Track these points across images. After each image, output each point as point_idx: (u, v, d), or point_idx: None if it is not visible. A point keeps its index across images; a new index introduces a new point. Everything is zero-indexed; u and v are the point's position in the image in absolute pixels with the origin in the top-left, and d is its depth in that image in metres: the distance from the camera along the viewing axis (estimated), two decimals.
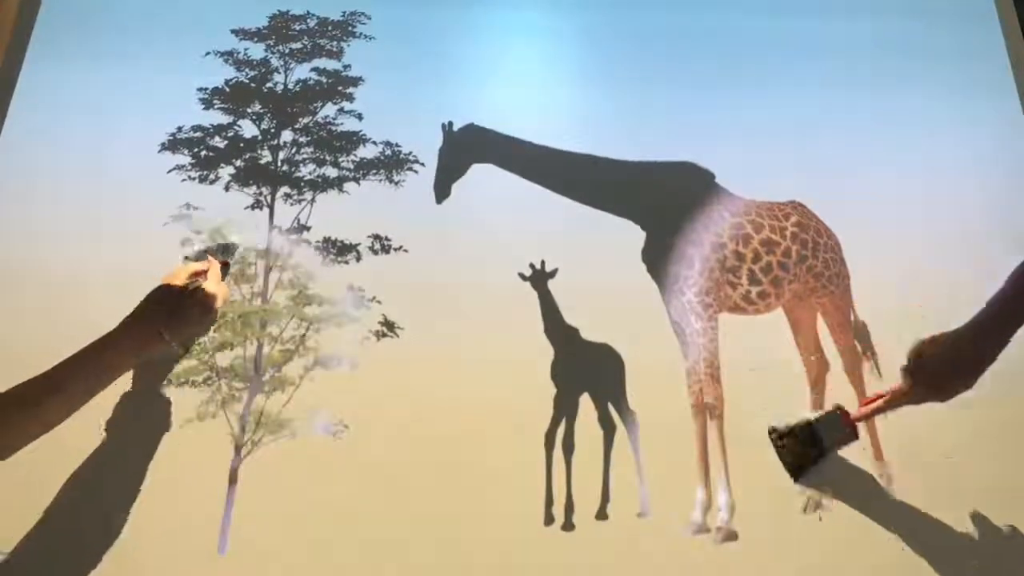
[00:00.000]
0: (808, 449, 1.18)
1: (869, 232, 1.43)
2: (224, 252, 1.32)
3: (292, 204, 1.41)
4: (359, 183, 1.44)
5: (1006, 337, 1.11)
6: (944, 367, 1.13)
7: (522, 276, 1.35)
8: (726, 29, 1.64)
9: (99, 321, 1.27)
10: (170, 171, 1.43)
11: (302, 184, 1.44)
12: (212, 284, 1.20)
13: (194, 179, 1.43)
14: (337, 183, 1.44)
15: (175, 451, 1.21)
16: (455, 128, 1.48)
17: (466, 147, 1.47)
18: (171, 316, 1.13)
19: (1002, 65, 1.60)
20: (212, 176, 1.44)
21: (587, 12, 1.67)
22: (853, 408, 1.20)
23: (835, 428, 1.17)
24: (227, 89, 1.52)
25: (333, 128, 1.49)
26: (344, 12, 1.61)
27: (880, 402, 1.16)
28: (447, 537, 1.16)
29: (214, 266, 1.25)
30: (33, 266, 1.33)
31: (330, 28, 1.59)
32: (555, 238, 1.39)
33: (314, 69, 1.55)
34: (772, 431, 1.20)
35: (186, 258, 1.30)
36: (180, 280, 1.17)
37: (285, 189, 1.43)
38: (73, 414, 1.06)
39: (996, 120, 1.54)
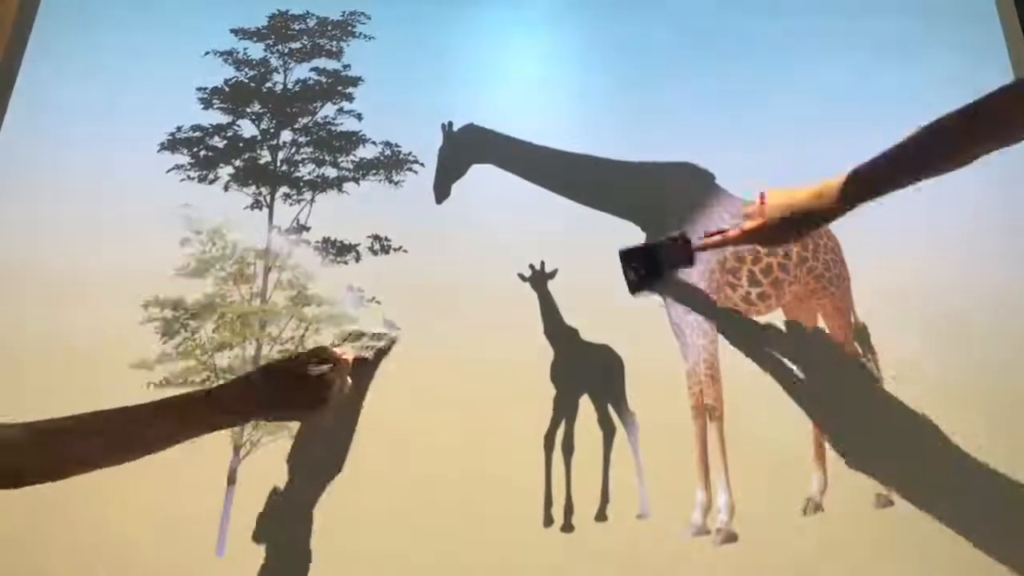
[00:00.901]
0: (648, 268, 1.17)
1: (869, 234, 1.42)
2: (364, 346, 1.25)
3: (291, 204, 1.41)
4: (359, 183, 1.44)
5: (847, 202, 1.10)
6: (784, 212, 1.10)
7: (522, 277, 1.35)
8: (726, 29, 1.63)
9: (98, 320, 1.28)
10: (169, 171, 1.43)
11: (301, 184, 1.43)
12: (338, 373, 1.04)
13: (193, 179, 1.43)
14: (336, 183, 1.44)
15: (174, 452, 1.20)
16: (455, 128, 1.48)
17: (466, 147, 1.47)
18: (281, 396, 1.00)
19: (1003, 65, 1.60)
20: (211, 176, 1.43)
21: (587, 13, 1.66)
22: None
23: (674, 253, 1.16)
24: (226, 89, 1.52)
25: (333, 128, 1.49)
26: (344, 12, 1.60)
27: (719, 237, 1.12)
28: (446, 538, 1.16)
29: (347, 357, 1.06)
30: (32, 264, 1.33)
31: (330, 28, 1.59)
32: (555, 239, 1.39)
33: (314, 69, 1.55)
34: (621, 251, 1.18)
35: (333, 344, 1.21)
36: (299, 362, 1.02)
37: (284, 189, 1.43)
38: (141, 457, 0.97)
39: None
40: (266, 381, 0.99)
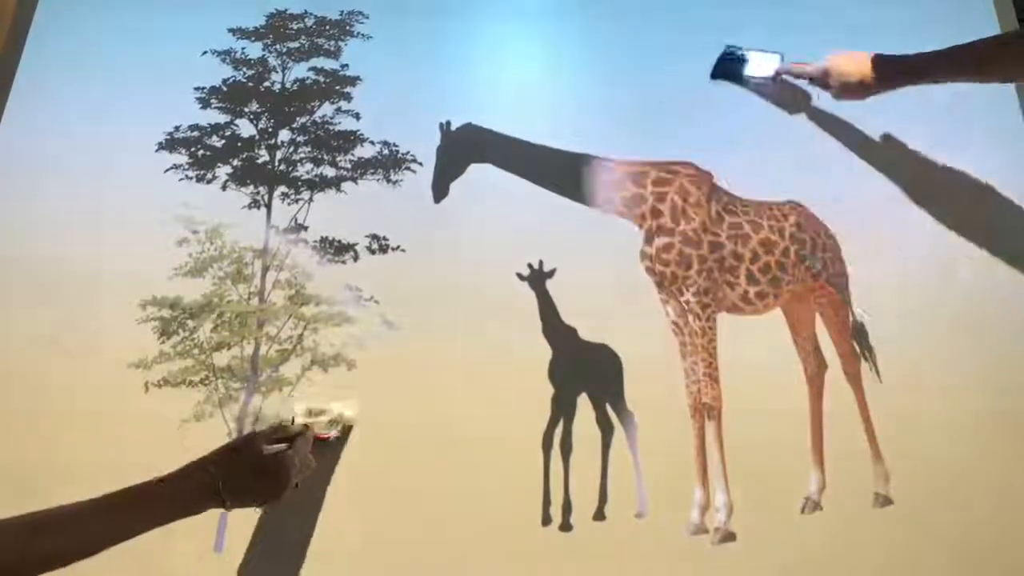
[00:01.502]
0: (735, 66, 1.53)
1: (868, 233, 1.42)
2: (325, 424, 1.20)
3: (289, 203, 1.41)
4: (357, 182, 1.44)
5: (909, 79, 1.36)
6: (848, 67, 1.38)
7: (520, 276, 1.35)
8: (725, 31, 1.63)
9: (95, 319, 1.28)
10: (167, 170, 1.43)
11: (299, 183, 1.43)
12: (297, 456, 1.02)
13: (191, 178, 1.43)
14: (335, 182, 1.44)
15: (173, 451, 1.20)
16: (453, 127, 1.48)
17: (464, 147, 1.47)
18: (243, 485, 0.96)
19: None
20: (209, 175, 1.43)
21: (587, 11, 1.66)
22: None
23: (764, 67, 1.51)
24: (225, 88, 1.52)
25: (331, 127, 1.49)
26: (342, 11, 1.60)
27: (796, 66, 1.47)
28: (445, 537, 1.16)
29: (306, 437, 1.07)
30: (29, 264, 1.33)
31: (328, 27, 1.59)
32: (553, 238, 1.39)
33: (312, 68, 1.55)
34: (727, 46, 1.54)
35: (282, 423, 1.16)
36: (255, 446, 0.99)
37: (282, 188, 1.43)
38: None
39: (995, 119, 1.53)
40: (222, 472, 0.93)
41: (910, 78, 1.36)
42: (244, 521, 1.16)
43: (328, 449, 1.20)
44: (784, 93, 1.52)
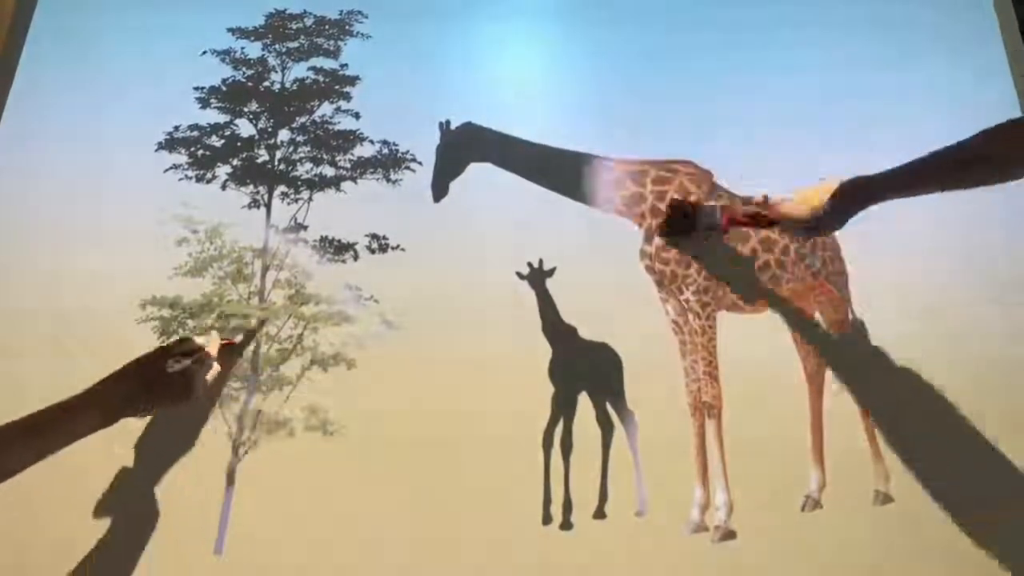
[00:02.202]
0: (682, 223, 1.36)
1: (867, 231, 1.42)
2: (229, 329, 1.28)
3: (289, 203, 1.41)
4: (356, 182, 1.44)
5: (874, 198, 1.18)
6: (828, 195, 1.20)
7: (520, 275, 1.35)
8: (726, 30, 1.63)
9: (95, 319, 1.28)
10: (167, 170, 1.43)
11: (299, 183, 1.43)
12: (200, 365, 1.11)
13: (191, 178, 1.43)
14: (334, 182, 1.44)
15: (172, 451, 1.21)
16: (452, 127, 1.48)
17: (464, 146, 1.47)
18: (148, 392, 1.05)
19: (1002, 65, 1.60)
20: (209, 175, 1.43)
21: (586, 11, 1.66)
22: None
23: (712, 218, 1.33)
24: (224, 88, 1.52)
25: (330, 127, 1.49)
26: (341, 11, 1.60)
27: (755, 211, 1.26)
28: (445, 536, 1.16)
29: (211, 346, 1.16)
30: (29, 264, 1.33)
31: (327, 27, 1.59)
32: (553, 237, 1.39)
33: (311, 68, 1.55)
34: (672, 199, 1.39)
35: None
36: (165, 356, 1.09)
37: (282, 188, 1.43)
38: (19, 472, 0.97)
39: (996, 117, 1.53)
40: (131, 381, 1.04)
41: (870, 201, 1.18)
42: (244, 522, 1.16)
43: (232, 350, 1.27)
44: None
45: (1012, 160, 1.12)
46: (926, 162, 1.15)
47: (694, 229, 1.34)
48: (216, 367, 1.15)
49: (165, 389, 1.06)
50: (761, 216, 1.26)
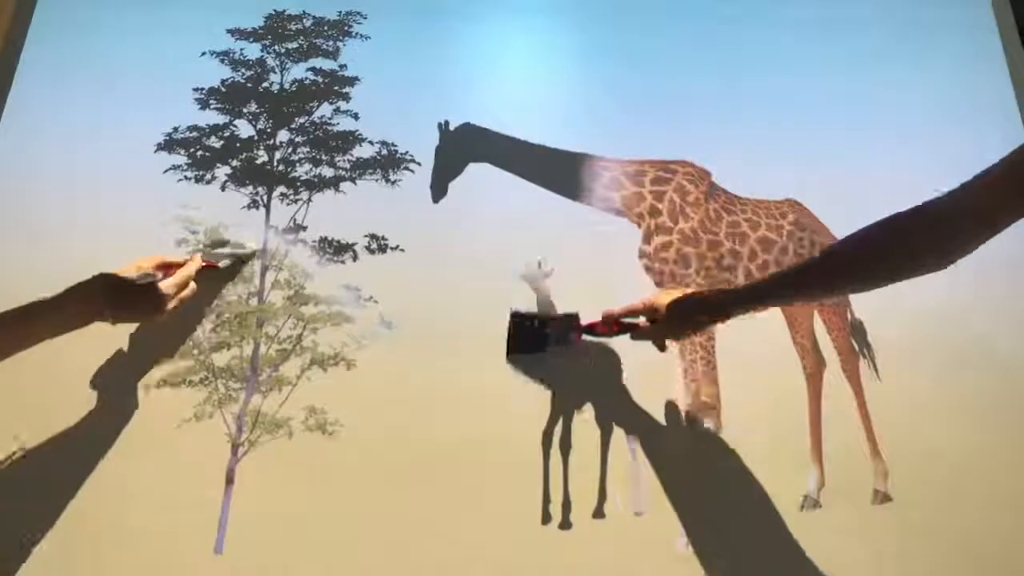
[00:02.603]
0: (532, 338, 1.26)
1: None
2: (219, 254, 1.32)
3: (288, 204, 1.41)
4: (355, 183, 1.44)
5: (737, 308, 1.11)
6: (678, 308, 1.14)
7: (519, 275, 1.35)
8: (724, 27, 1.64)
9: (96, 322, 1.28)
10: (166, 171, 1.43)
11: (298, 184, 1.43)
12: (170, 283, 1.18)
13: (190, 179, 1.43)
14: (333, 183, 1.44)
15: (172, 451, 1.21)
16: (451, 127, 1.48)
17: (462, 146, 1.47)
18: (115, 305, 1.12)
19: (1001, 63, 1.60)
20: (208, 176, 1.43)
21: (585, 11, 1.67)
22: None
23: (565, 329, 1.25)
24: (223, 89, 1.52)
25: (329, 128, 1.49)
26: (340, 12, 1.61)
27: (604, 327, 1.21)
28: (444, 536, 1.16)
29: (189, 265, 1.24)
30: (28, 265, 1.33)
31: (326, 28, 1.59)
32: (552, 237, 1.39)
33: (310, 69, 1.55)
34: (514, 314, 1.28)
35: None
36: (134, 271, 1.18)
37: (281, 189, 1.43)
38: None
39: (994, 118, 1.54)
40: (105, 289, 1.11)
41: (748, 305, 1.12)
42: (244, 522, 1.16)
43: (217, 274, 1.32)
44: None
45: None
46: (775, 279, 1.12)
47: (542, 345, 1.26)
48: (193, 286, 1.22)
49: (133, 300, 1.14)
50: (618, 323, 1.20)
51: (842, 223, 1.41)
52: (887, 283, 1.00)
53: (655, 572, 1.16)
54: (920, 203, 0.96)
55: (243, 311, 1.31)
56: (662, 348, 1.21)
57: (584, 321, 1.24)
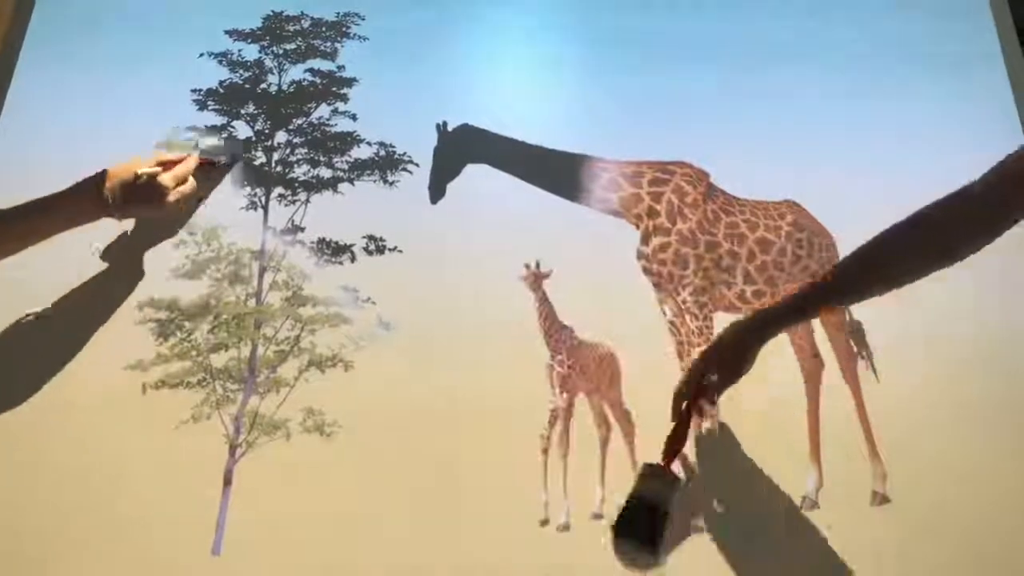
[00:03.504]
0: (653, 520, 1.08)
1: (864, 232, 1.42)
2: (212, 150, 1.38)
3: (286, 205, 1.41)
4: (353, 184, 1.44)
5: (768, 331, 1.09)
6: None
7: (518, 276, 1.35)
8: (724, 28, 1.64)
9: (95, 319, 1.28)
10: None
11: (296, 185, 1.43)
12: (169, 176, 1.24)
13: None
14: (331, 184, 1.44)
15: (170, 452, 1.21)
16: (449, 128, 1.48)
17: (461, 147, 1.47)
18: (120, 199, 1.20)
19: (999, 63, 1.60)
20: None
21: (584, 12, 1.67)
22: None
23: (661, 483, 1.09)
24: (221, 90, 1.52)
25: (327, 129, 1.49)
26: (338, 13, 1.61)
27: (674, 434, 1.12)
28: (442, 537, 1.16)
29: (188, 160, 1.30)
30: (27, 265, 1.33)
31: (324, 29, 1.59)
32: (550, 238, 1.39)
33: (308, 70, 1.55)
34: (614, 527, 1.10)
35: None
36: (134, 168, 1.22)
37: (279, 190, 1.43)
38: None
39: (993, 119, 1.54)
40: (111, 184, 1.18)
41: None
42: (242, 524, 1.16)
43: (214, 171, 1.39)
44: None
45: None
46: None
47: (667, 514, 1.08)
48: (192, 182, 1.28)
49: (136, 193, 1.20)
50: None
51: (841, 224, 1.42)
52: (915, 280, 1.03)
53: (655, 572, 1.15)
54: (942, 196, 1.00)
55: (241, 312, 1.31)
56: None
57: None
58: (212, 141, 1.39)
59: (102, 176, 1.20)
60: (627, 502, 1.08)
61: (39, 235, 1.19)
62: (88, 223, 1.21)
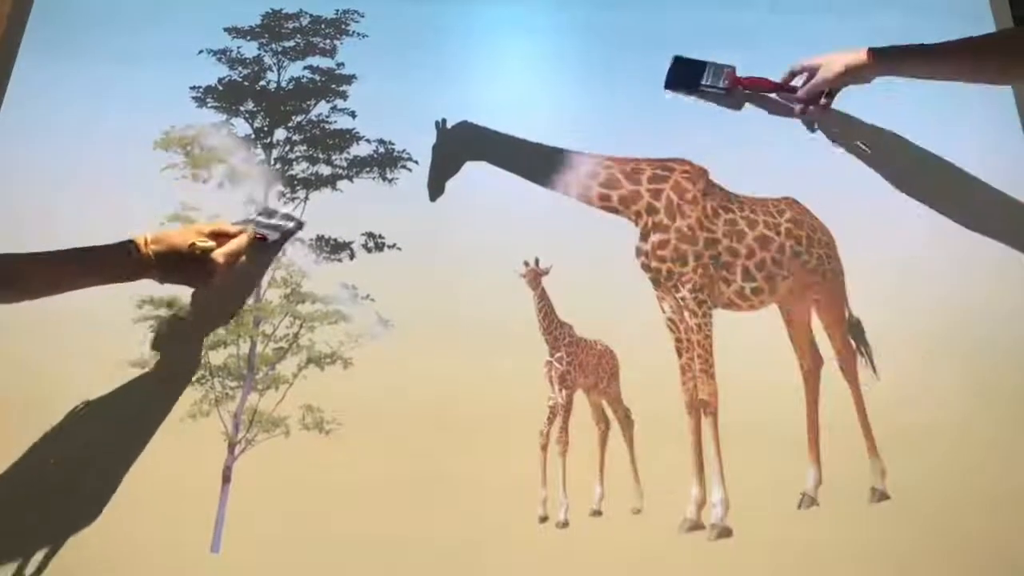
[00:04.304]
0: (687, 76, 1.52)
1: (864, 228, 1.43)
2: (269, 226, 1.34)
3: (285, 202, 1.41)
4: (352, 181, 1.44)
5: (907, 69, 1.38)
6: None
7: (517, 273, 1.35)
8: (723, 25, 1.64)
9: (92, 318, 1.28)
10: (163, 169, 1.43)
11: (295, 182, 1.43)
12: (222, 253, 1.19)
13: (187, 178, 1.43)
14: (330, 181, 1.44)
15: (169, 450, 1.21)
16: (449, 126, 1.48)
17: (460, 145, 1.47)
18: (166, 267, 1.15)
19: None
20: (206, 174, 1.43)
21: (584, 8, 1.67)
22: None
23: (719, 78, 1.51)
24: (220, 87, 1.52)
25: (326, 126, 1.49)
26: (337, 10, 1.61)
27: (771, 83, 1.51)
28: (441, 535, 1.16)
29: (241, 237, 1.25)
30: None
31: (323, 26, 1.59)
32: (549, 235, 1.39)
33: (307, 67, 1.55)
34: (676, 57, 1.54)
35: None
36: (193, 235, 1.18)
37: (278, 187, 1.43)
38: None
39: (992, 117, 1.54)
40: (159, 251, 1.14)
41: (905, 67, 1.37)
42: (242, 522, 1.16)
43: (267, 248, 1.34)
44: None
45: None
46: (945, 45, 1.30)
47: (698, 85, 1.50)
48: (243, 259, 1.25)
49: (184, 266, 1.16)
50: (771, 83, 1.49)
51: (840, 221, 1.42)
52: None
53: (652, 570, 1.15)
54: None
55: (240, 310, 1.31)
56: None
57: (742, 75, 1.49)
58: (269, 220, 1.35)
59: (156, 238, 1.15)
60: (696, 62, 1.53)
61: (71, 284, 1.13)
62: (126, 282, 1.16)
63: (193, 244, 1.16)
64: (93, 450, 1.20)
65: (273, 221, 1.36)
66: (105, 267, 1.13)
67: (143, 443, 1.20)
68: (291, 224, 1.37)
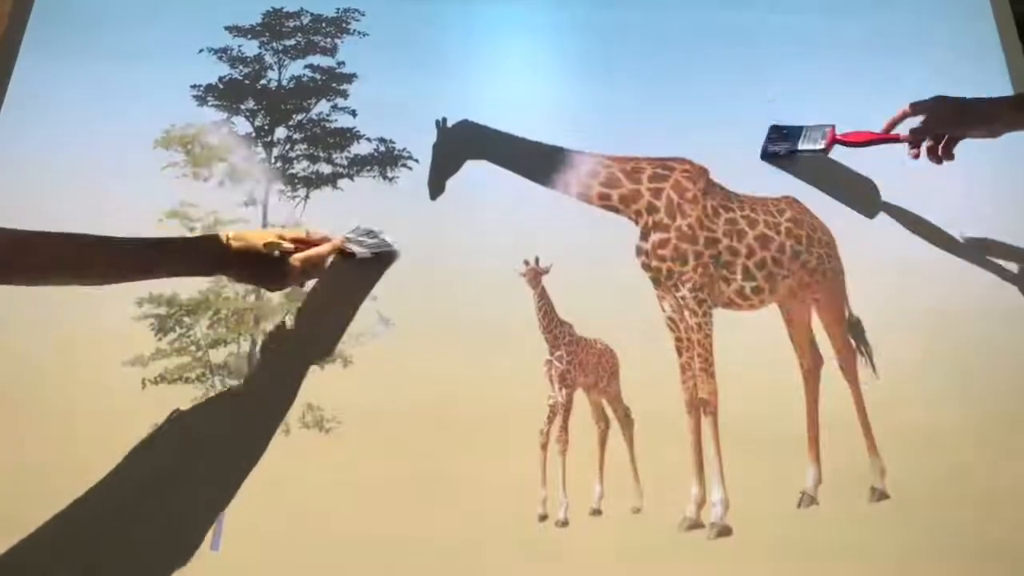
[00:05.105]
0: (784, 142, 1.47)
1: (864, 228, 1.43)
2: (362, 243, 1.32)
3: (286, 201, 1.41)
4: (353, 180, 1.44)
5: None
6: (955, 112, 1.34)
7: (517, 272, 1.35)
8: (723, 25, 1.64)
9: (92, 317, 1.28)
10: (164, 168, 1.43)
11: (296, 181, 1.43)
12: (299, 258, 1.17)
13: (188, 176, 1.43)
14: (331, 180, 1.44)
15: (169, 448, 1.21)
16: (449, 124, 1.48)
17: (460, 143, 1.47)
18: (240, 266, 1.14)
19: (999, 60, 1.60)
20: (206, 173, 1.43)
21: (584, 7, 1.67)
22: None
23: (816, 140, 1.45)
24: (221, 86, 1.52)
25: (327, 125, 1.49)
26: (338, 9, 1.61)
27: (871, 135, 1.41)
28: (441, 534, 1.16)
29: (324, 245, 1.23)
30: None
31: (324, 25, 1.59)
32: (550, 234, 1.39)
33: (308, 66, 1.55)
34: (772, 126, 1.50)
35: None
36: (273, 238, 1.16)
37: (279, 186, 1.43)
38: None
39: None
40: (237, 249, 1.12)
41: None
42: (241, 522, 1.16)
43: (362, 269, 1.32)
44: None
45: None
46: None
47: (795, 150, 1.45)
48: (320, 268, 1.23)
49: (259, 268, 1.14)
50: (873, 135, 1.40)
51: (840, 219, 1.42)
52: None
53: (651, 569, 1.15)
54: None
55: (240, 307, 1.31)
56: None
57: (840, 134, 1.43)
58: (362, 237, 1.33)
59: (235, 237, 1.13)
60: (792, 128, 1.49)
61: (145, 272, 1.11)
62: (202, 276, 1.18)
63: (270, 243, 1.14)
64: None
65: (369, 239, 1.33)
66: (188, 256, 1.11)
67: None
68: (385, 247, 1.34)
